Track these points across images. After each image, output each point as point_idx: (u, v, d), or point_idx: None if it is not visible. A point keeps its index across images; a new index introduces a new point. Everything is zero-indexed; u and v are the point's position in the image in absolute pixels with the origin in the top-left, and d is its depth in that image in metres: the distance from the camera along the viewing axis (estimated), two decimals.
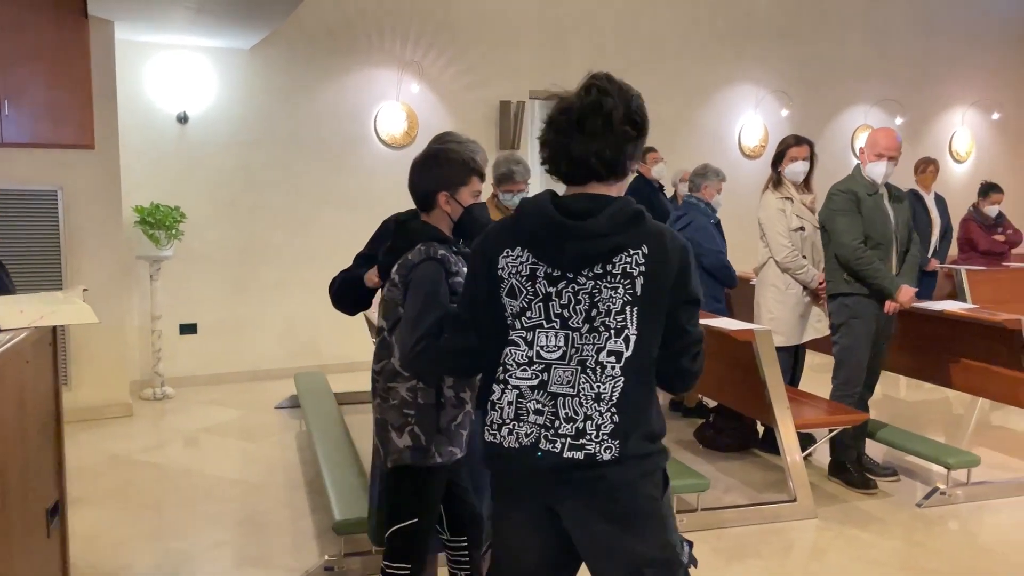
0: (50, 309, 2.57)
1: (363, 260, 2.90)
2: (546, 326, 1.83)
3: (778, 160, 4.70)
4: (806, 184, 4.75)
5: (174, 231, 6.20)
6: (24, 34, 5.31)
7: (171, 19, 5.77)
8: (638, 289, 1.78)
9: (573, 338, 1.81)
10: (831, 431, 4.34)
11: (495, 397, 1.86)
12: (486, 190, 2.71)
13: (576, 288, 1.81)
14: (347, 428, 4.72)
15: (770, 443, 4.82)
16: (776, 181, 4.70)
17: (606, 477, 1.78)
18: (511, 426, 1.83)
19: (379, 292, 2.64)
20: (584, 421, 1.78)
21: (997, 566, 3.63)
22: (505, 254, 1.87)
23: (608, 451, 1.77)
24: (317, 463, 4.16)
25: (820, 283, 4.57)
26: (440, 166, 2.49)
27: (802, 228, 4.60)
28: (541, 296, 1.83)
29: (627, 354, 1.79)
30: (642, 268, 1.78)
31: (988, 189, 7.84)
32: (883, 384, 5.97)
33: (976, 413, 6.01)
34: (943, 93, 9.92)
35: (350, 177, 7.25)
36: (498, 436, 1.85)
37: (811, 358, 5.26)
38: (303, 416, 5.17)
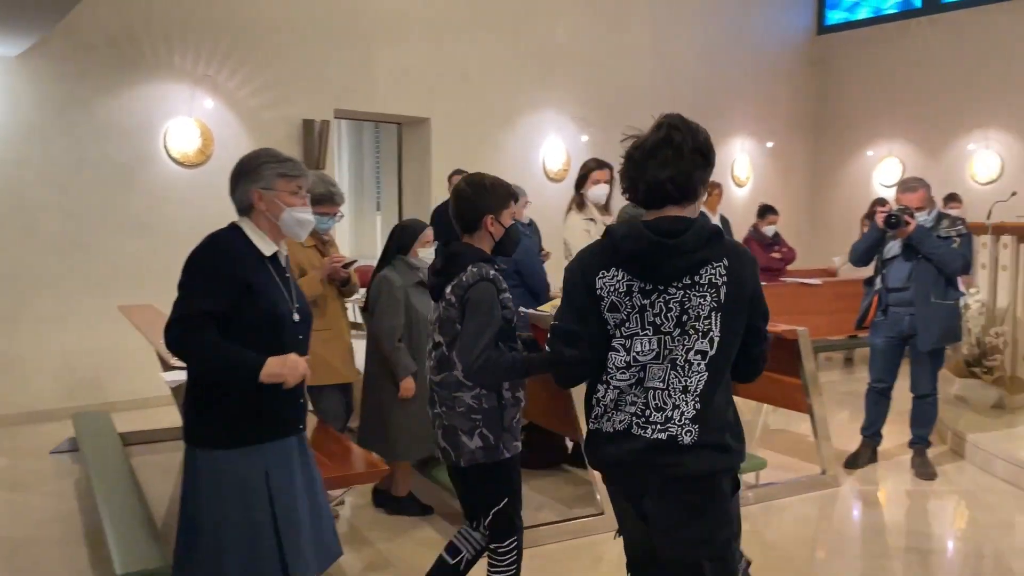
0: None
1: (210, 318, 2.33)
2: (641, 333, 2.14)
3: (581, 182, 4.84)
4: (606, 206, 4.92)
5: None
6: None
7: None
8: (721, 297, 2.10)
9: (665, 341, 2.12)
10: None
11: (599, 395, 2.21)
12: None
13: (667, 298, 2.11)
14: (133, 472, 4.31)
15: (581, 458, 4.91)
16: (579, 203, 4.83)
17: (684, 464, 2.08)
18: (610, 415, 2.17)
19: None
20: (672, 410, 2.10)
21: (784, 561, 3.88)
22: (601, 275, 2.16)
23: (689, 435, 2.08)
24: (98, 513, 3.75)
25: None
26: (488, 192, 2.76)
27: None
28: (637, 308, 2.13)
29: (711, 353, 2.10)
30: (724, 279, 2.10)
31: (765, 211, 8.55)
32: None
33: (761, 418, 6.46)
34: (725, 122, 10.72)
35: (137, 198, 6.72)
36: (599, 422, 2.20)
37: None
38: (82, 461, 4.67)
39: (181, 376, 3.31)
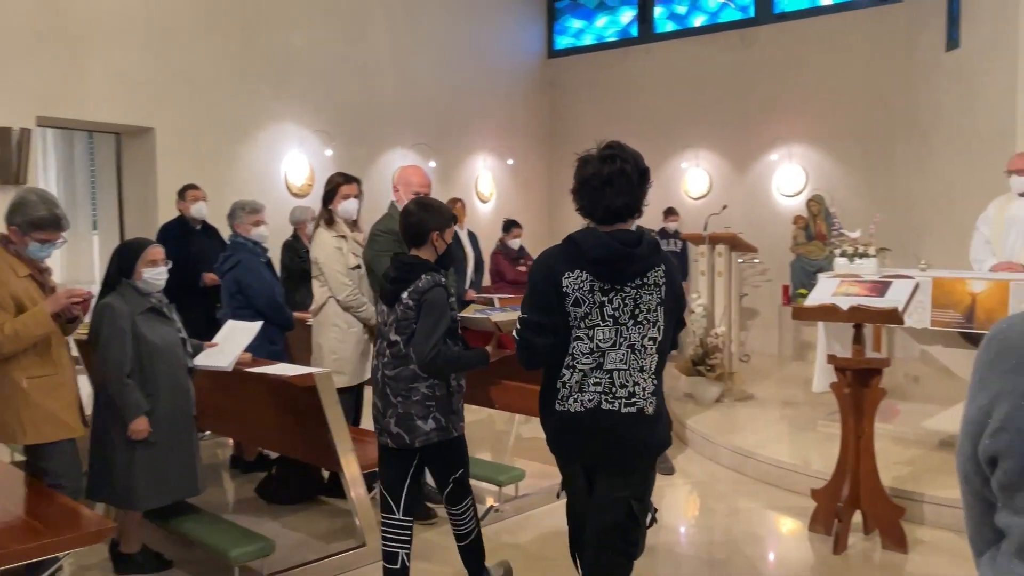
0: None
1: None
2: (602, 324, 2.59)
3: (329, 197, 4.62)
4: (355, 222, 4.74)
5: None
6: None
7: None
8: (663, 294, 2.64)
9: (621, 330, 2.60)
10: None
11: (564, 379, 2.63)
12: None
13: (624, 296, 2.60)
14: None
15: (338, 486, 4.66)
16: (328, 219, 4.61)
17: (643, 428, 2.62)
18: (577, 396, 2.61)
19: None
20: (634, 386, 2.60)
21: (548, 570, 3.92)
22: (567, 275, 2.60)
23: (651, 405, 2.62)
24: None
25: None
26: (434, 210, 3.28)
27: (359, 266, 4.56)
28: (598, 303, 2.59)
29: (659, 338, 2.64)
30: (664, 280, 2.64)
31: (510, 225, 8.81)
32: None
33: (514, 428, 6.59)
34: (469, 140, 10.94)
35: None
36: (565, 404, 2.63)
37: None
38: None
39: None
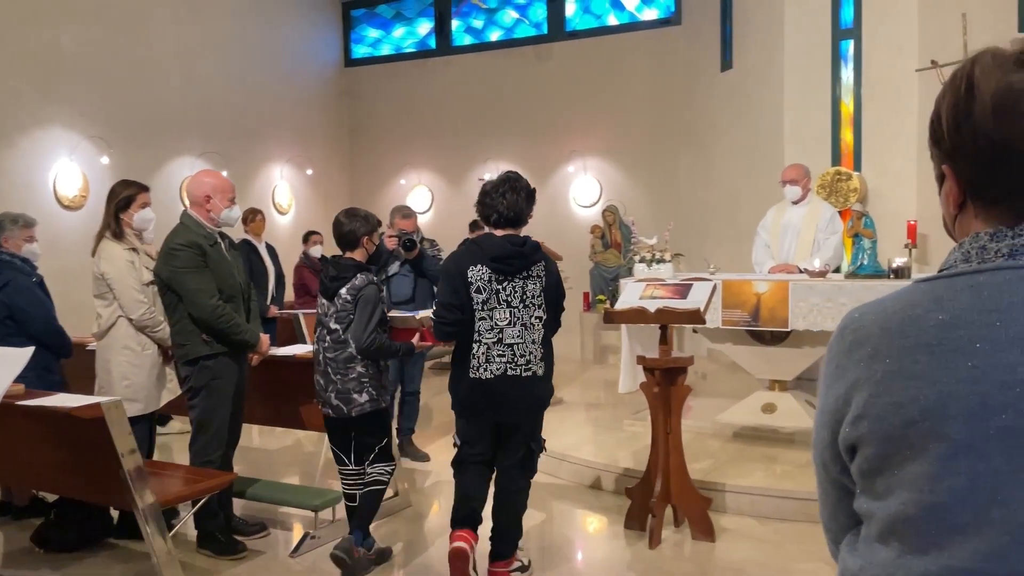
0: None
1: None
2: (499, 307, 3.48)
3: (124, 206, 4.17)
4: (141, 236, 4.32)
5: None
6: None
7: None
8: (543, 284, 3.56)
9: (514, 312, 3.49)
10: (197, 501, 3.98)
11: (474, 351, 3.51)
12: None
13: (514, 285, 3.49)
14: None
15: (131, 527, 4.21)
16: (117, 231, 4.16)
17: (538, 388, 3.60)
18: (486, 366, 3.50)
19: None
20: (530, 356, 3.53)
21: None
22: (471, 269, 3.49)
23: (541, 368, 3.57)
24: None
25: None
26: (361, 219, 3.92)
27: (153, 282, 4.15)
28: (495, 291, 3.48)
29: (543, 317, 3.56)
30: (543, 273, 3.57)
31: (309, 235, 8.49)
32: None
33: (324, 450, 6.32)
34: (262, 149, 10.45)
35: None
36: (478, 372, 3.51)
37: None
38: None
39: None
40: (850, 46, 7.69)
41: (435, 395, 7.93)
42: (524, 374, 3.53)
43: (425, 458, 5.85)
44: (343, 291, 3.82)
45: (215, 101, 9.67)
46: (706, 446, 5.49)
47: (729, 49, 8.98)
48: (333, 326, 3.85)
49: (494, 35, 11.43)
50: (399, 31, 12.05)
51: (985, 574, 0.93)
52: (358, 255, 3.92)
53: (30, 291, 4.32)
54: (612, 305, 9.51)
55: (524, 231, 3.66)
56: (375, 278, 3.87)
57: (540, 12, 11.06)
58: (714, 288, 4.30)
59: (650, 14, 10.44)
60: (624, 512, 4.55)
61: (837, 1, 7.73)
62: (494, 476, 3.74)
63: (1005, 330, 0.94)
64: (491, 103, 11.15)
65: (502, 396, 3.51)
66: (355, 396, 3.83)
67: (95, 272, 4.15)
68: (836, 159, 7.76)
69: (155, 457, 4.45)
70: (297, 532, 4.48)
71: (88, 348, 4.53)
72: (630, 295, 4.43)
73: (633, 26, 10.51)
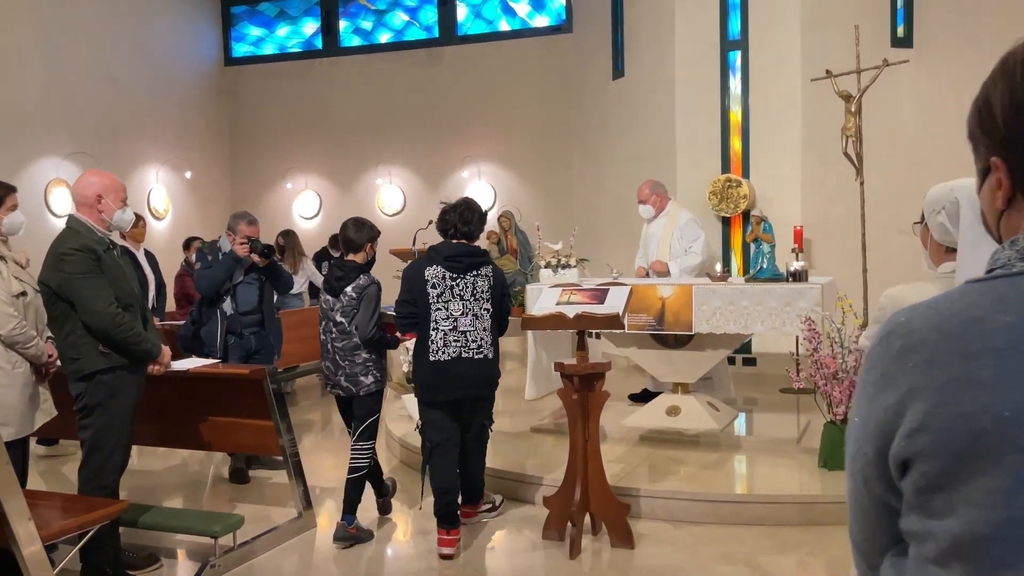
0: None
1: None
2: (453, 300, 4.14)
3: None
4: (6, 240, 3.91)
5: None
6: None
7: None
8: (491, 283, 4.23)
9: (467, 304, 4.15)
10: (84, 533, 3.61)
11: (432, 338, 4.15)
12: None
13: (465, 282, 4.17)
14: None
15: (12, 568, 3.78)
16: None
17: (489, 369, 4.27)
18: (443, 350, 4.13)
19: None
20: (481, 341, 4.18)
21: None
22: (427, 269, 4.17)
23: (491, 352, 4.24)
24: None
25: (50, 357, 3.81)
26: (367, 228, 4.60)
27: (24, 293, 3.75)
28: (449, 287, 4.15)
29: (492, 310, 4.22)
30: (490, 274, 4.25)
31: (190, 241, 8.03)
32: None
33: (211, 470, 5.94)
34: (136, 150, 9.83)
35: None
36: (437, 355, 4.14)
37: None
38: None
39: None
40: (737, 57, 7.94)
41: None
42: (476, 356, 4.17)
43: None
44: (348, 289, 4.42)
45: (82, 97, 9.01)
46: (614, 451, 5.47)
47: (620, 57, 9.11)
48: (339, 319, 4.44)
49: (383, 37, 11.20)
50: (283, 30, 11.63)
51: None
52: (359, 258, 4.51)
53: None
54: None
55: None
56: (375, 279, 4.50)
57: (431, 15, 10.92)
58: (630, 293, 4.28)
59: (541, 21, 10.49)
60: (540, 521, 4.47)
61: (725, 13, 7.97)
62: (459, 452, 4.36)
63: None
64: (381, 106, 10.91)
65: (458, 375, 4.14)
66: (362, 379, 4.43)
67: None
68: (726, 166, 7.99)
69: (40, 485, 4.01)
70: (193, 562, 4.16)
71: None
72: (546, 301, 4.35)
73: (525, 32, 10.53)
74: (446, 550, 4.13)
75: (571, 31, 10.21)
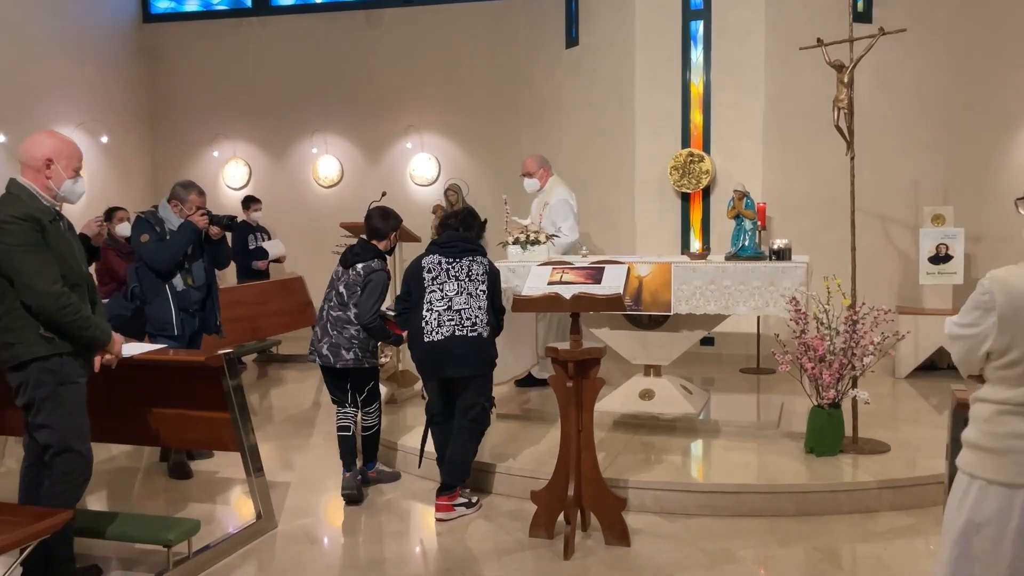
0: None
1: None
2: (448, 282, 4.27)
3: None
4: None
5: None
6: None
7: None
8: (485, 268, 4.37)
9: (461, 284, 4.28)
10: (24, 548, 3.09)
11: (427, 319, 4.24)
12: None
13: (461, 264, 4.31)
14: None
15: None
16: None
17: (483, 347, 4.28)
18: (437, 330, 4.21)
19: None
20: (476, 320, 4.25)
21: None
22: (425, 258, 4.37)
23: (486, 331, 4.28)
24: None
25: None
26: (393, 218, 4.75)
27: None
28: (445, 270, 4.30)
29: (486, 292, 4.33)
30: (485, 261, 4.40)
31: (112, 212, 7.32)
32: None
33: (143, 465, 5.41)
34: (47, 111, 8.97)
35: None
36: (431, 336, 4.22)
37: None
38: None
39: None
40: (700, 27, 7.69)
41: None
42: (470, 334, 4.21)
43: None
44: (359, 266, 4.55)
45: None
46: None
47: (575, 25, 8.74)
48: (341, 289, 4.57)
49: None
50: None
51: None
52: (382, 245, 4.67)
53: None
54: None
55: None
56: (387, 267, 4.63)
57: None
58: (627, 271, 3.97)
59: None
60: (523, 517, 4.16)
61: None
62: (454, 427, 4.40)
63: None
64: (317, 71, 10.28)
65: (451, 353, 4.19)
66: (343, 352, 4.53)
67: None
68: (686, 140, 7.76)
69: None
70: (142, 574, 3.68)
71: None
72: (536, 280, 4.00)
73: None
74: (438, 514, 4.26)
75: None
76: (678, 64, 7.75)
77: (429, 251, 4.38)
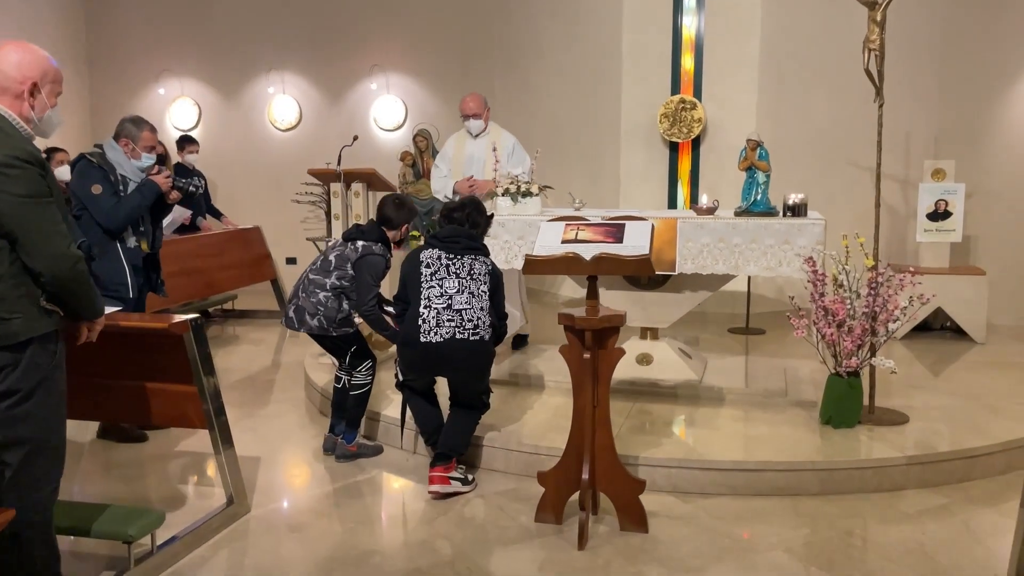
0: None
1: None
2: (448, 278, 3.89)
3: None
4: None
5: None
6: None
7: None
8: (487, 268, 3.99)
9: (463, 282, 3.89)
10: None
11: (424, 316, 3.85)
12: None
13: (463, 261, 3.94)
14: None
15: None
16: None
17: (485, 352, 3.94)
18: (436, 330, 3.83)
19: None
20: (477, 320, 3.87)
21: None
22: (424, 252, 3.98)
23: (487, 333, 3.92)
24: None
25: None
26: (407, 210, 4.39)
27: None
28: (445, 266, 3.92)
29: (488, 291, 3.95)
30: (488, 261, 4.02)
31: (51, 153, 6.63)
32: None
33: (87, 443, 4.87)
34: None
35: None
36: (428, 336, 3.83)
37: None
38: None
39: None
40: None
41: None
42: (472, 337, 3.86)
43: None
44: (360, 243, 4.26)
45: None
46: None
47: None
48: (331, 257, 4.31)
49: None
50: None
51: None
52: (390, 233, 4.35)
53: None
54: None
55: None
56: (389, 256, 4.32)
57: None
58: (652, 229, 3.53)
59: None
60: (522, 497, 3.79)
61: None
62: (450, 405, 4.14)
63: None
64: (273, 3, 9.50)
65: (450, 358, 3.86)
66: (307, 318, 4.28)
67: None
68: (676, 87, 7.31)
69: None
70: (112, 568, 3.20)
71: None
72: (549, 238, 3.54)
73: None
74: (432, 487, 3.90)
75: None
76: (669, 4, 7.25)
77: (429, 244, 4.01)
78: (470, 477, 4.04)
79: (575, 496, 3.58)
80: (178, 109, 9.80)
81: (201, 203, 7.84)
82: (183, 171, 7.74)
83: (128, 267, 4.39)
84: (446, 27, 9.18)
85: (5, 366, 2.53)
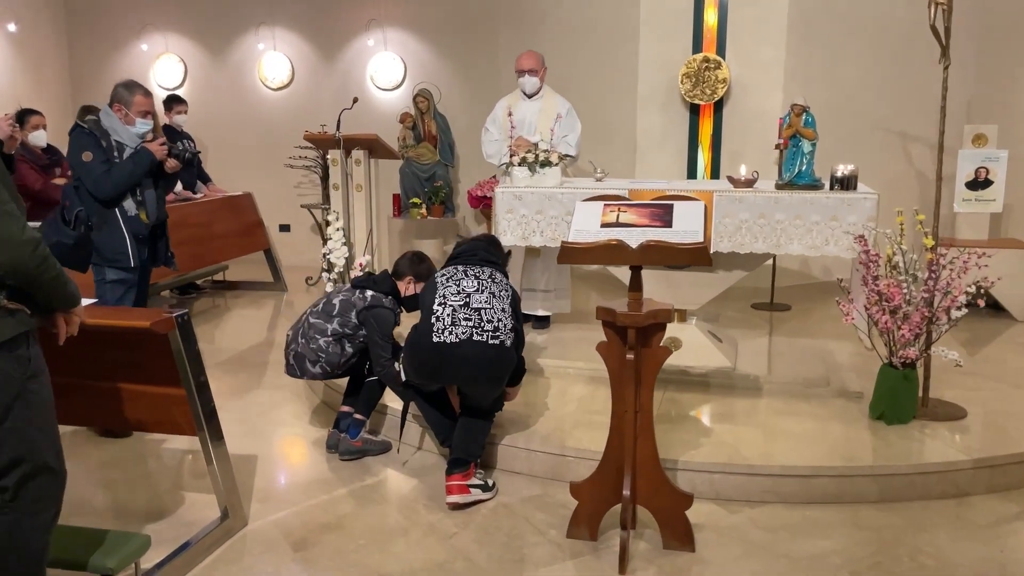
0: None
1: None
2: (465, 279, 3.53)
3: None
4: None
5: None
6: None
7: None
8: (507, 283, 3.64)
9: (482, 283, 3.52)
10: None
11: (438, 314, 3.45)
12: None
13: (480, 268, 3.61)
14: None
15: None
16: None
17: (508, 360, 3.50)
18: (451, 329, 3.41)
19: None
20: (498, 322, 3.45)
21: None
22: (441, 270, 3.69)
23: (509, 339, 3.48)
24: None
25: None
26: (423, 265, 4.16)
27: None
28: (462, 270, 3.59)
29: (509, 297, 3.58)
30: (507, 280, 3.67)
31: (24, 114, 6.10)
32: None
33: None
34: None
35: None
36: (441, 336, 3.41)
37: None
38: None
39: None
40: None
41: None
42: (491, 340, 3.44)
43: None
44: (369, 292, 4.04)
45: None
46: (598, 398, 4.36)
47: None
48: (335, 301, 4.06)
49: None
50: None
51: None
52: (401, 287, 4.13)
53: None
54: (430, 210, 8.07)
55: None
56: (397, 311, 4.08)
57: None
58: (704, 209, 3.09)
59: None
60: (548, 507, 3.41)
61: None
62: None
63: None
64: None
65: (467, 360, 3.41)
66: (308, 365, 4.04)
67: None
68: (698, 45, 6.80)
69: None
70: None
71: None
72: (586, 221, 3.10)
73: None
74: (451, 498, 3.48)
75: None
76: None
77: (444, 266, 3.75)
78: (490, 482, 3.66)
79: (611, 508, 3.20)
80: (162, 66, 9.22)
81: (193, 169, 7.33)
82: (171, 133, 7.20)
83: (129, 236, 4.22)
84: None
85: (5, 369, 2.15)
